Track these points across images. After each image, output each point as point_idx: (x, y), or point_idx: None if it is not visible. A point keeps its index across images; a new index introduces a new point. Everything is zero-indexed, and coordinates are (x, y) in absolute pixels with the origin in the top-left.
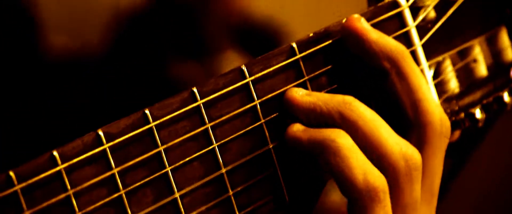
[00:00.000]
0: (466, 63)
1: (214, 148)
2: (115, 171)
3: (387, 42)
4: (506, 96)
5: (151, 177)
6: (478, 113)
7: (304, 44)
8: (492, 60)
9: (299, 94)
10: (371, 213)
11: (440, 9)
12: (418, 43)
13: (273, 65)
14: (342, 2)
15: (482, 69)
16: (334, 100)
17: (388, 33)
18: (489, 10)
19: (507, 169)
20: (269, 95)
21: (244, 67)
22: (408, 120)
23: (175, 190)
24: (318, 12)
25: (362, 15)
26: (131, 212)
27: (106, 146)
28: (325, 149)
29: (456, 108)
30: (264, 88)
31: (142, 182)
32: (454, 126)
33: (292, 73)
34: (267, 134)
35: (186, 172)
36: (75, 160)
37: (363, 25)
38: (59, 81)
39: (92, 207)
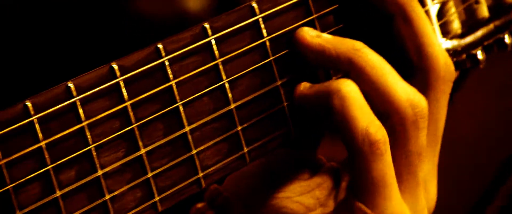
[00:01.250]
0: (468, 4)
1: (223, 84)
2: (128, 104)
3: None
4: (507, 38)
5: (163, 111)
6: (479, 54)
7: None
8: (493, 1)
9: (310, 34)
10: (370, 164)
11: None
12: None
13: (284, 2)
14: None
15: (484, 11)
16: (344, 44)
17: None
18: None
19: (484, 113)
20: (278, 33)
21: (254, 4)
22: (412, 65)
23: (185, 124)
24: None
25: None
26: (142, 145)
27: (119, 79)
28: (330, 98)
29: (459, 49)
30: (273, 25)
31: (153, 115)
32: (456, 66)
33: (301, 11)
34: (275, 70)
35: (196, 106)
36: (89, 92)
37: None
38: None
39: (105, 139)
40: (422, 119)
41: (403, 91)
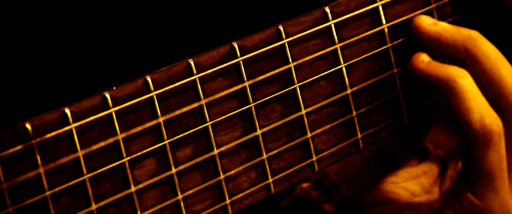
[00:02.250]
0: None
1: (341, 68)
2: (247, 84)
3: None
4: None
5: (280, 92)
6: None
7: None
8: None
9: (427, 22)
10: (484, 155)
11: None
12: None
13: None
14: None
15: None
16: (460, 33)
17: None
18: None
19: None
20: (397, 20)
21: None
22: None
23: (302, 107)
24: None
25: None
26: (258, 125)
27: (240, 59)
28: (446, 88)
29: None
30: (392, 13)
31: (271, 96)
32: None
33: (420, 1)
34: (392, 58)
35: (313, 90)
36: (209, 71)
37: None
38: None
39: (222, 117)
40: None
41: None
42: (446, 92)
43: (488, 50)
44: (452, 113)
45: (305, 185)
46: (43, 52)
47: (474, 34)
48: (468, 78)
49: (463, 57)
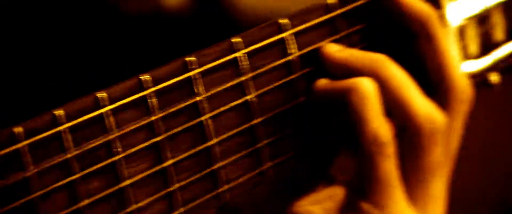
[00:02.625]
0: (485, 27)
1: (249, 99)
2: (157, 116)
3: (418, 5)
4: (493, 77)
5: (189, 123)
6: (494, 76)
7: (341, 1)
8: (508, 24)
9: (334, 49)
10: (378, 164)
11: None
12: (447, 6)
13: (311, 20)
14: None
15: (499, 33)
16: (367, 58)
17: None
18: None
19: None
20: (306, 50)
21: (283, 21)
22: (432, 84)
23: (211, 137)
24: None
25: None
26: (167, 156)
27: (149, 90)
28: (349, 94)
29: (475, 71)
30: (301, 42)
31: (180, 128)
32: (472, 86)
33: (328, 29)
34: (300, 88)
35: (222, 120)
36: (119, 103)
37: None
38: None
39: (133, 149)
40: (439, 135)
41: (423, 106)
42: (348, 98)
43: (395, 71)
44: (351, 118)
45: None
46: None
47: (381, 57)
48: (371, 85)
49: None
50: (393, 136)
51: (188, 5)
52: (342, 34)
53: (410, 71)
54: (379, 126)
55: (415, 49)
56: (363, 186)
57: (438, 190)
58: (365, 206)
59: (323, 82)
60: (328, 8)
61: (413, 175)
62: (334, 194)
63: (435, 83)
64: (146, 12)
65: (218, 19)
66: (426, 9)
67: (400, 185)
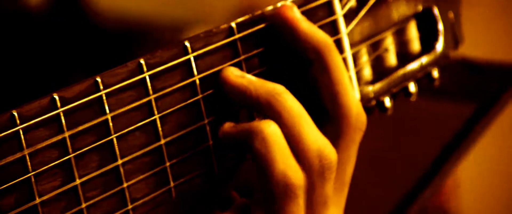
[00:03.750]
0: (379, 52)
1: (155, 119)
2: (67, 135)
3: (315, 33)
4: (412, 86)
5: (98, 143)
6: (387, 101)
7: (242, 25)
8: (400, 50)
9: (234, 74)
10: (283, 207)
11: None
12: (344, 31)
13: (214, 43)
14: None
15: (392, 59)
16: (264, 87)
17: (317, 20)
18: (401, 5)
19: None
20: (208, 72)
21: (187, 43)
22: (326, 112)
23: (118, 157)
24: None
25: (294, 2)
26: (78, 175)
27: (60, 110)
28: (251, 139)
29: (370, 96)
30: (203, 64)
31: (89, 147)
32: (366, 112)
33: (230, 52)
34: (203, 109)
35: (129, 140)
36: (32, 122)
37: (295, 14)
38: None
39: (45, 167)
40: (329, 171)
41: (314, 142)
42: (251, 144)
43: (291, 105)
44: (257, 162)
45: None
46: None
47: (279, 89)
48: (275, 128)
49: (266, 112)
50: (303, 178)
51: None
52: (243, 57)
53: (304, 99)
54: (287, 167)
55: (310, 77)
56: None
57: None
58: None
59: (227, 127)
60: (231, 31)
61: (307, 209)
62: None
63: (330, 111)
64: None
65: (76, 18)
66: (322, 38)
67: None
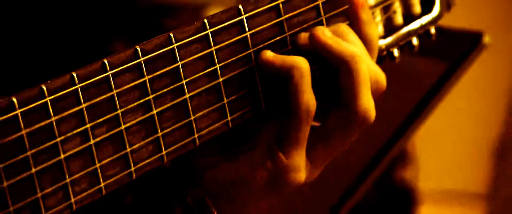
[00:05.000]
0: (389, 14)
1: (216, 66)
2: (146, 78)
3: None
4: (415, 40)
5: (172, 86)
6: (395, 52)
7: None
8: (406, 12)
9: (271, 55)
10: (303, 127)
11: None
12: None
13: (260, 7)
14: None
15: (399, 19)
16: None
17: None
18: None
19: None
20: (257, 29)
21: (240, 6)
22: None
23: (187, 94)
24: None
25: None
26: (155, 109)
27: (142, 59)
28: (292, 70)
29: (382, 47)
30: (254, 23)
31: (165, 89)
32: (379, 60)
33: (274, 14)
34: (253, 58)
35: (197, 83)
36: (119, 68)
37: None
38: None
39: (129, 106)
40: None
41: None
42: (291, 73)
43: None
44: (290, 88)
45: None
46: None
47: (358, 52)
48: (307, 65)
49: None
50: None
51: None
52: (283, 18)
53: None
54: (311, 98)
55: (338, 77)
56: (285, 140)
57: (316, 158)
58: (281, 155)
59: (269, 55)
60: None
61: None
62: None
63: (345, 101)
64: None
65: None
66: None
67: (305, 144)
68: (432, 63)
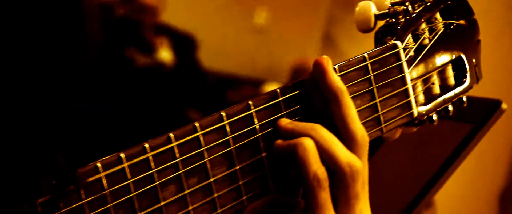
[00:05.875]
0: (428, 85)
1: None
2: (230, 137)
3: (336, 81)
4: (450, 107)
5: (251, 142)
6: (434, 116)
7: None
8: (442, 84)
9: (285, 122)
10: (317, 194)
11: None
12: (407, 71)
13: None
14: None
15: (437, 89)
16: (306, 126)
17: (389, 63)
18: (442, 54)
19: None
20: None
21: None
22: (342, 135)
23: (262, 150)
24: None
25: (370, 53)
26: (238, 164)
27: (225, 122)
28: (296, 148)
29: (423, 112)
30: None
31: (245, 146)
32: (420, 123)
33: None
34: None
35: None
36: (207, 129)
37: (328, 66)
38: None
39: (216, 159)
40: (357, 173)
41: (344, 156)
42: (296, 150)
43: (325, 134)
44: (298, 164)
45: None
46: None
47: (315, 125)
48: (311, 142)
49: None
50: (327, 176)
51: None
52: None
53: (333, 128)
54: (318, 167)
55: (329, 110)
56: (307, 208)
57: (363, 207)
58: None
59: (279, 141)
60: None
61: (343, 202)
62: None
63: (343, 135)
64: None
65: (191, 72)
66: (338, 85)
67: (332, 209)
68: (456, 126)
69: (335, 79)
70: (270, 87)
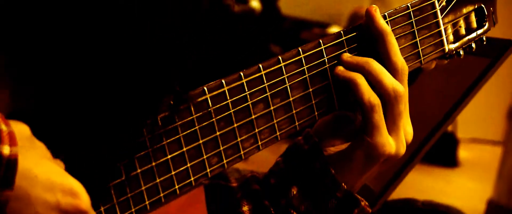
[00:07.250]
0: (456, 28)
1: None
2: (305, 67)
3: (381, 24)
4: (473, 45)
5: (322, 72)
6: (461, 51)
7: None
8: (467, 26)
9: (346, 56)
10: (373, 115)
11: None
12: (440, 17)
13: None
14: None
15: (463, 31)
16: (362, 60)
17: (427, 11)
18: (467, 4)
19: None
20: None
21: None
22: (387, 66)
23: (330, 77)
24: None
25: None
26: (311, 87)
27: (302, 55)
28: (354, 79)
29: (452, 49)
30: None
31: (317, 75)
32: (451, 57)
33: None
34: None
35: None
36: (288, 61)
37: (375, 13)
38: None
39: (294, 85)
40: (400, 96)
41: (389, 82)
42: (355, 82)
43: (375, 65)
44: (357, 92)
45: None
46: None
47: (369, 59)
48: (362, 78)
49: (363, 69)
50: (379, 101)
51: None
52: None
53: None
54: (371, 95)
55: (378, 47)
56: (365, 127)
57: (405, 123)
58: (366, 137)
59: (340, 68)
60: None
61: (390, 119)
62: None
63: (388, 66)
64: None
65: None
66: (383, 27)
67: (384, 125)
68: (477, 60)
69: (381, 22)
70: (334, 29)
